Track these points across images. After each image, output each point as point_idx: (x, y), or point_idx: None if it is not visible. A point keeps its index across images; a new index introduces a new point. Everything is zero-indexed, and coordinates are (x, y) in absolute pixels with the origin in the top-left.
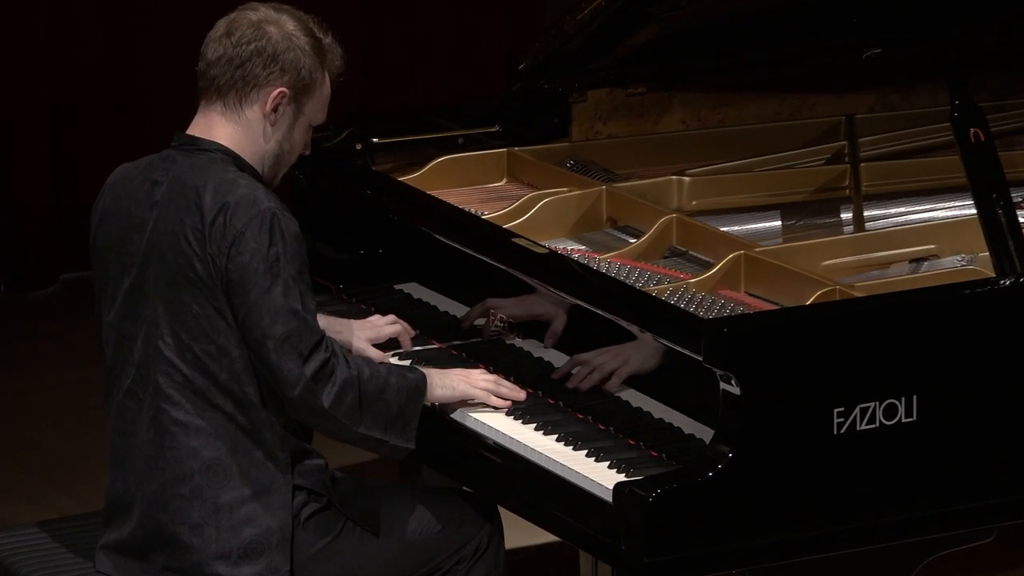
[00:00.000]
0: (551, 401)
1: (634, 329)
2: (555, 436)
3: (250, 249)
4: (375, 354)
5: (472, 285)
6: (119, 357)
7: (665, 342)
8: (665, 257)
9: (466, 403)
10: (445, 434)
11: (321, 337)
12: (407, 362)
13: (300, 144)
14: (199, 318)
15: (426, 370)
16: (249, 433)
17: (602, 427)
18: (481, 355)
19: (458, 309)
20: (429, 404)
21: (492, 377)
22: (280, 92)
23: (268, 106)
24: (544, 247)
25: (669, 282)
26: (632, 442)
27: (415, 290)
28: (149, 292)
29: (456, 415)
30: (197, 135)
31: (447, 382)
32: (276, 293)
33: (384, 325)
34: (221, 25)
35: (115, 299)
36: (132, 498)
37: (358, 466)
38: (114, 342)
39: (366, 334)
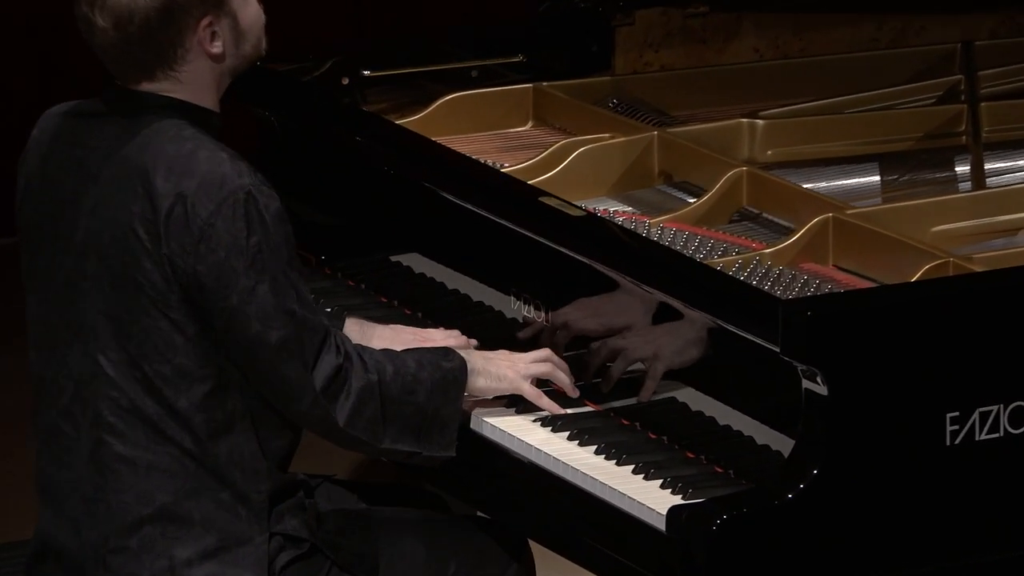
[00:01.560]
0: (590, 404)
1: (693, 311)
2: (594, 447)
3: (224, 243)
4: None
5: (488, 256)
6: (52, 365)
7: (732, 328)
8: (733, 221)
9: (483, 402)
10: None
11: (326, 333)
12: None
13: (253, 37)
14: (150, 332)
15: (466, 353)
16: (213, 471)
17: (653, 436)
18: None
19: (470, 286)
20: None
21: (544, 357)
22: (203, 24)
23: (206, 45)
24: (580, 208)
25: (737, 252)
26: (691, 455)
27: (416, 263)
28: (88, 293)
29: (471, 421)
30: (131, 88)
31: (492, 368)
32: (264, 292)
33: (426, 341)
34: (91, 19)
35: (47, 291)
36: (62, 547)
37: (343, 467)
38: (46, 345)
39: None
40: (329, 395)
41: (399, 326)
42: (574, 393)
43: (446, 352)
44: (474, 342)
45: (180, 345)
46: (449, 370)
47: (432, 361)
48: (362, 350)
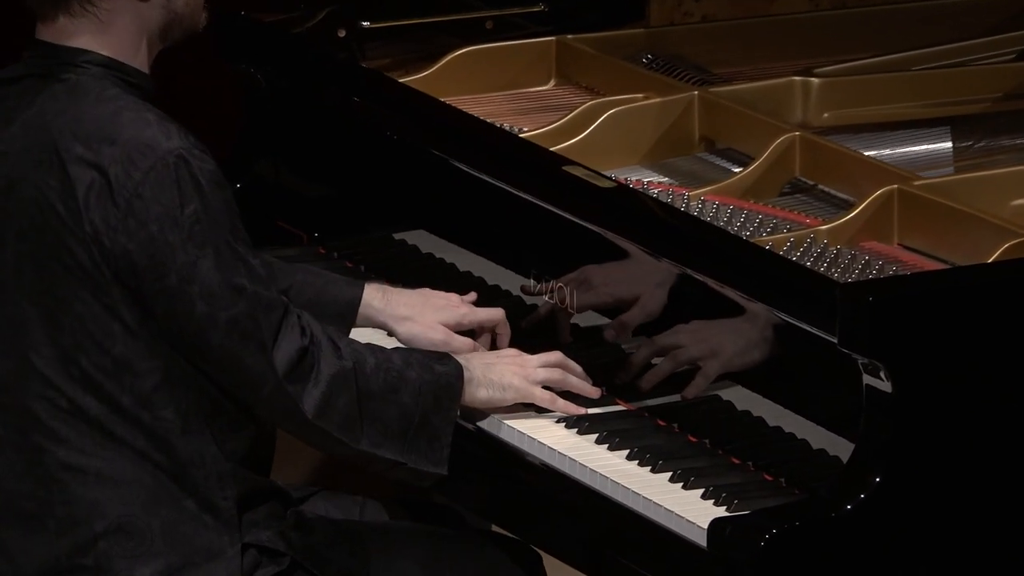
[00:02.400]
0: (621, 403)
1: (739, 297)
2: (626, 452)
3: (155, 215)
4: (461, 344)
5: (504, 234)
6: None
7: (784, 317)
8: (784, 194)
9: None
10: (465, 448)
11: (285, 311)
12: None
13: None
14: (84, 320)
15: (464, 358)
16: (173, 476)
17: (693, 439)
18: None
19: (484, 267)
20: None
21: (555, 363)
22: None
23: None
24: (610, 179)
25: (789, 229)
26: (736, 461)
27: (423, 241)
28: (9, 283)
29: (485, 421)
30: (50, 40)
31: (495, 377)
32: (206, 268)
33: (461, 305)
34: None
35: None
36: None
37: (327, 472)
38: None
39: (442, 316)
40: (294, 381)
41: (429, 291)
42: (595, 393)
43: (440, 355)
44: (493, 315)
45: (118, 333)
46: (442, 374)
47: (422, 361)
48: (335, 335)
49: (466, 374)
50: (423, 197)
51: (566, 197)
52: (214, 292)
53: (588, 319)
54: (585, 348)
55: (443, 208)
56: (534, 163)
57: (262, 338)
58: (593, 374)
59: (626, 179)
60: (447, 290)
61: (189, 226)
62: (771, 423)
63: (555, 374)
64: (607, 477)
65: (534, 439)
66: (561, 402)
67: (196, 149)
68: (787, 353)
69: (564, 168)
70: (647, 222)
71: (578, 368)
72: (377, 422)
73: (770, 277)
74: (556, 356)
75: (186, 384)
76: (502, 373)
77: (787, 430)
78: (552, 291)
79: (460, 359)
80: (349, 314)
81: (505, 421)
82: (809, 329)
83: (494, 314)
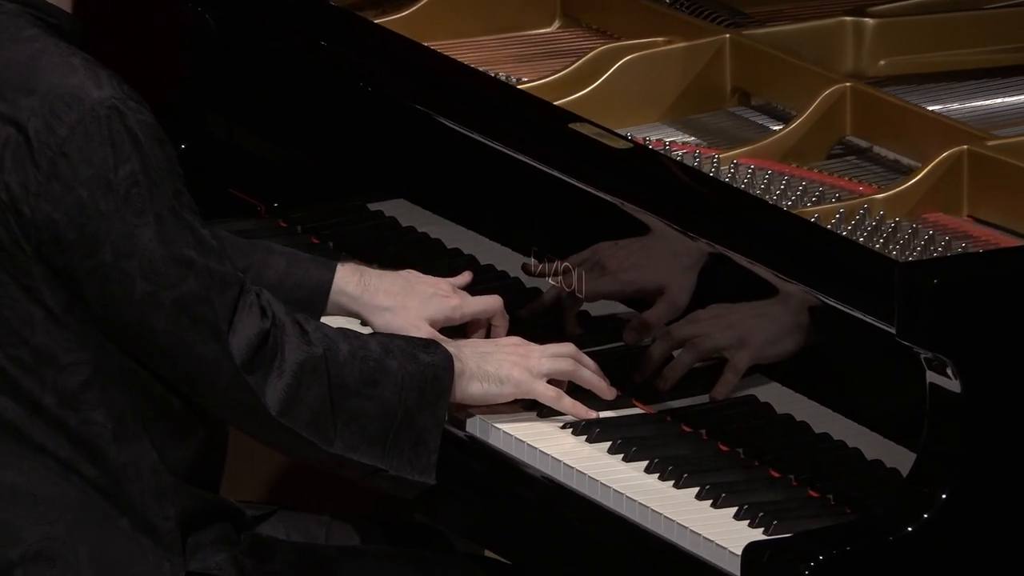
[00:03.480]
0: (639, 404)
1: (778, 279)
2: (644, 463)
3: (84, 177)
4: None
5: (500, 204)
6: None
7: (832, 302)
8: (833, 156)
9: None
10: (452, 456)
11: (241, 288)
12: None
13: None
14: None
15: (454, 345)
16: (103, 490)
17: (725, 448)
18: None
19: (475, 243)
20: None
21: (565, 355)
22: None
23: None
24: (625, 139)
25: (838, 198)
26: (776, 474)
27: (402, 211)
28: None
29: (473, 425)
30: None
31: (491, 368)
32: (147, 239)
33: (452, 295)
34: None
35: None
36: None
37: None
38: None
39: (429, 309)
40: (254, 371)
41: (414, 275)
42: (610, 394)
43: (426, 341)
44: (491, 305)
45: (39, 320)
46: (429, 365)
47: (405, 349)
48: (301, 318)
49: (457, 365)
50: (403, 160)
51: (573, 160)
52: (157, 268)
53: (601, 308)
54: (595, 341)
55: (427, 173)
56: (535, 119)
57: (215, 321)
58: (606, 371)
59: (645, 139)
60: (431, 271)
61: (125, 190)
62: (817, 429)
63: (564, 364)
64: (622, 493)
65: (535, 448)
66: (568, 401)
67: (131, 100)
68: (837, 346)
69: (571, 126)
70: (670, 190)
71: (591, 363)
72: (353, 420)
73: (815, 255)
74: (567, 347)
75: (121, 380)
76: (500, 364)
77: (836, 437)
78: (557, 273)
79: (450, 347)
80: (318, 301)
81: (500, 425)
82: (863, 317)
83: (490, 303)
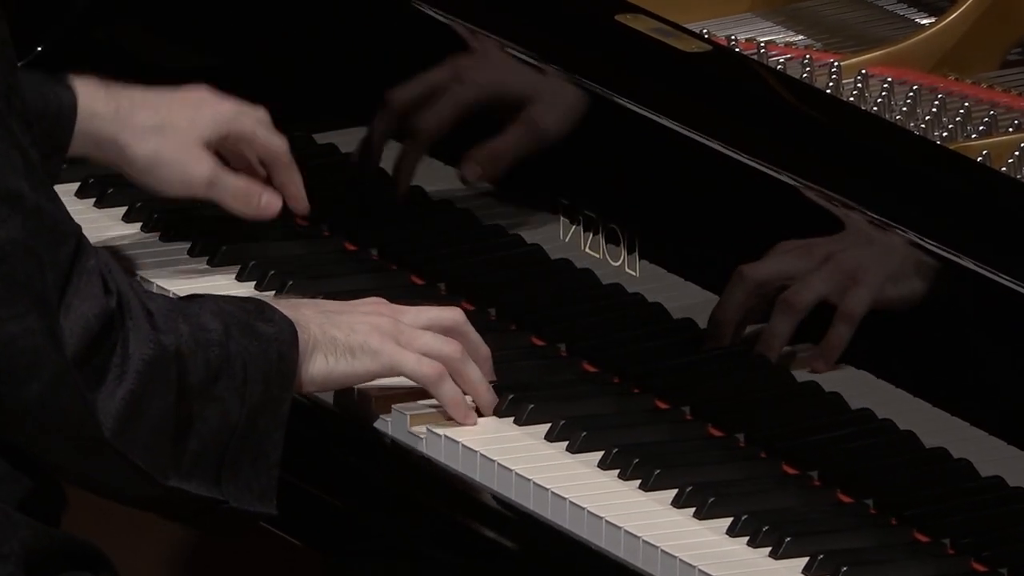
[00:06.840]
0: (660, 404)
1: (907, 234)
2: (674, 491)
3: None
4: (238, 183)
5: (504, 133)
6: None
7: (985, 271)
8: (1010, 63)
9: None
10: (369, 473)
11: (78, 244)
12: None
13: None
14: None
15: (292, 306)
16: None
17: (791, 470)
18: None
19: (476, 198)
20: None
21: (449, 325)
22: None
23: None
24: (701, 37)
25: (1016, 127)
26: (875, 511)
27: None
28: None
29: (388, 422)
30: None
31: (340, 333)
32: None
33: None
34: None
35: None
36: None
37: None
38: None
39: (200, 125)
40: (88, 366)
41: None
42: (488, 404)
43: (259, 307)
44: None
45: None
46: (271, 339)
47: (241, 320)
48: (140, 290)
49: (301, 336)
50: (367, 72)
51: (622, 70)
52: None
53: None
54: (605, 313)
55: (415, 98)
56: (571, 10)
57: (42, 288)
58: (618, 358)
59: (730, 38)
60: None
61: None
62: (927, 442)
63: (447, 347)
64: (620, 527)
65: (491, 459)
66: (450, 388)
67: None
68: (973, 328)
69: (618, 18)
70: (765, 111)
71: (484, 348)
72: (193, 435)
73: (972, 205)
74: (452, 313)
75: None
76: (352, 327)
77: (955, 455)
78: (601, 232)
79: (286, 309)
80: (61, 133)
81: (435, 429)
82: None
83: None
